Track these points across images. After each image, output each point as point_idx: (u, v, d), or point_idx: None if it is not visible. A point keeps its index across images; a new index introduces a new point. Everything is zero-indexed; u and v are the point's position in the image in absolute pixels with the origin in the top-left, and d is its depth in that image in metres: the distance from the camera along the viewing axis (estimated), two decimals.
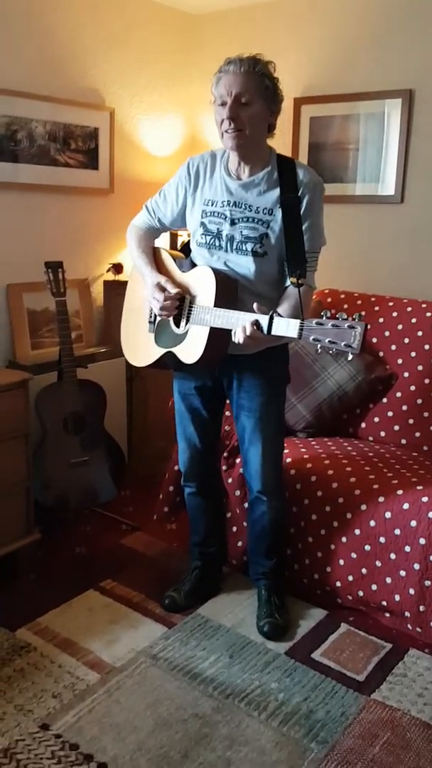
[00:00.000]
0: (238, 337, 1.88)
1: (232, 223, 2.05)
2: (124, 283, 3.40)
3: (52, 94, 2.97)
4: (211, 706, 1.97)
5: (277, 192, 2.03)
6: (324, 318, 1.73)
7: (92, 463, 2.88)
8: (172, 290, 2.07)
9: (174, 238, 3.44)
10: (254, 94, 1.94)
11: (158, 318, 2.18)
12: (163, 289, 2.09)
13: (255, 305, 1.87)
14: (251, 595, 2.46)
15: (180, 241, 3.36)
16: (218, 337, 1.98)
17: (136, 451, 3.48)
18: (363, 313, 1.77)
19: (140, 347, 2.27)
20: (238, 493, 2.61)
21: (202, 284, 2.04)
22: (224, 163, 2.10)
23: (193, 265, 2.16)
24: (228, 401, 2.35)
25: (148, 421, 3.44)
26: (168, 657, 2.17)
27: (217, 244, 2.08)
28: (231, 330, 1.93)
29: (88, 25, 3.10)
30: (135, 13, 3.30)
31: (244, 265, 2.06)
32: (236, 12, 3.42)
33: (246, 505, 2.57)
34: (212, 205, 2.09)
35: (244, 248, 2.04)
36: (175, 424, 2.43)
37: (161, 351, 2.18)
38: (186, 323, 2.09)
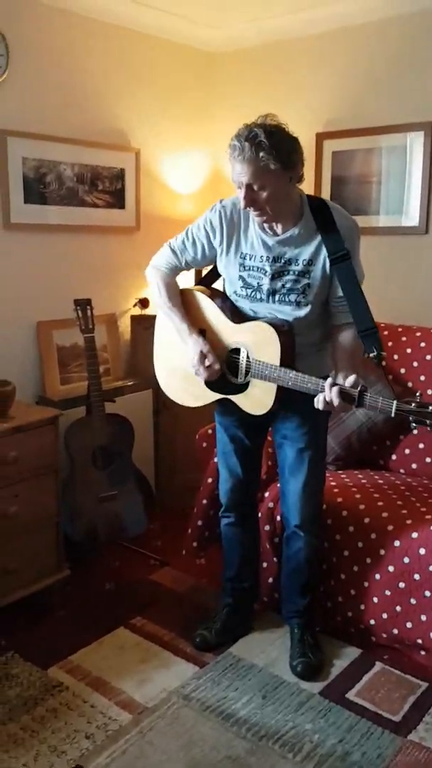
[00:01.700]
0: (320, 405, 1.89)
1: (273, 277, 2.05)
2: (151, 317, 3.44)
3: (79, 137, 3.06)
4: (244, 748, 1.94)
5: (315, 242, 2.00)
6: (419, 400, 1.77)
7: (121, 497, 2.88)
8: (216, 366, 2.11)
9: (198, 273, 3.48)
10: (264, 179, 1.88)
11: None
12: (205, 359, 2.11)
13: (346, 381, 1.86)
14: (283, 633, 2.43)
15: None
16: (283, 392, 2.02)
17: (163, 484, 3.49)
18: None
19: (187, 389, 2.27)
20: (267, 527, 2.59)
21: (262, 340, 2.04)
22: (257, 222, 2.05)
23: (236, 310, 2.16)
24: (271, 431, 2.35)
25: (176, 454, 3.45)
26: (200, 697, 2.15)
27: (258, 297, 2.09)
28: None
29: (112, 68, 3.19)
30: (157, 54, 3.39)
31: (288, 313, 2.06)
32: (256, 50, 3.49)
33: (276, 540, 2.55)
34: (250, 259, 2.08)
35: (287, 299, 2.05)
36: (204, 456, 2.43)
37: (216, 396, 2.19)
38: (246, 375, 2.10)
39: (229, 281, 2.17)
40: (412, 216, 3.11)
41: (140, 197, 3.38)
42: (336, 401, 1.85)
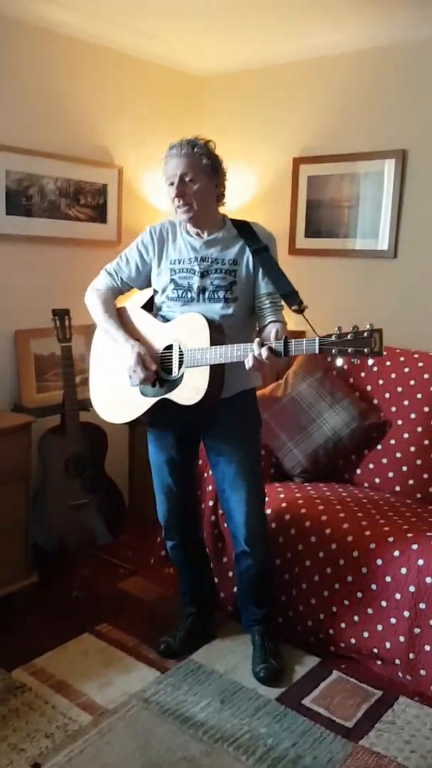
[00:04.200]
0: (250, 364, 1.97)
1: (202, 275, 2.20)
2: None
3: (63, 153, 3.14)
4: (200, 750, 1.99)
5: (238, 245, 2.22)
6: (339, 331, 1.86)
7: (91, 506, 2.94)
8: (152, 366, 2.18)
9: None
10: (196, 172, 2.14)
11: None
12: (142, 362, 2.17)
13: (272, 333, 2.04)
14: (245, 641, 2.49)
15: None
16: (217, 372, 2.09)
17: (137, 495, 3.54)
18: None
19: (122, 403, 2.31)
20: None
21: (191, 328, 2.14)
22: (184, 228, 2.28)
23: (164, 319, 2.27)
24: (203, 448, 2.44)
25: (150, 465, 3.49)
26: (160, 701, 2.20)
27: (188, 296, 2.21)
28: (225, 366, 2.07)
29: (99, 87, 3.29)
30: (143, 75, 3.49)
31: (217, 311, 2.18)
32: (239, 75, 3.61)
33: None
34: (180, 263, 2.25)
35: (216, 296, 2.19)
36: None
37: (152, 401, 2.21)
38: (179, 368, 2.17)
39: (161, 289, 2.29)
40: (384, 240, 3.22)
41: (122, 212, 3.46)
42: (265, 354, 1.94)
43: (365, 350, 1.82)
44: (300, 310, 2.10)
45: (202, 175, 2.15)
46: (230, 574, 2.68)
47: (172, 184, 2.17)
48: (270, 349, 1.95)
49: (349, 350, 1.84)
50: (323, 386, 2.94)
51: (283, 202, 3.46)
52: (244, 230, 2.24)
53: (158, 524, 2.90)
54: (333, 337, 1.86)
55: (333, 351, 1.86)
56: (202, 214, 2.19)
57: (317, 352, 1.88)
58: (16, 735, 2.03)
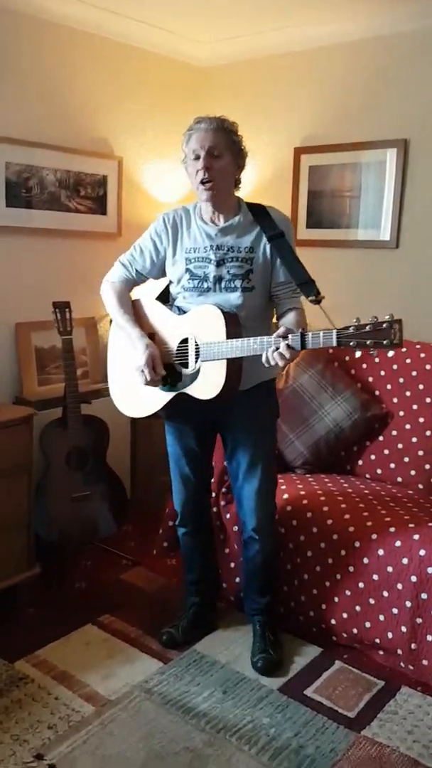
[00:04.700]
0: (272, 360, 1.94)
1: (218, 264, 2.17)
2: None
3: (63, 144, 3.12)
4: (202, 740, 1.99)
5: (254, 232, 2.18)
6: (357, 323, 1.82)
7: (93, 498, 2.94)
8: (160, 371, 2.16)
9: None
10: (224, 148, 2.13)
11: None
12: (152, 365, 2.15)
13: (281, 329, 1.97)
14: (247, 631, 2.49)
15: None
16: (234, 366, 2.07)
17: (139, 487, 3.54)
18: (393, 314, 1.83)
19: (141, 398, 2.30)
20: (236, 528, 2.65)
21: (206, 321, 2.11)
22: (198, 214, 2.24)
23: (180, 311, 2.25)
24: (220, 438, 2.42)
25: (152, 456, 3.50)
26: (162, 691, 2.20)
27: (204, 286, 2.19)
28: (243, 359, 2.04)
29: (99, 78, 3.27)
30: (144, 66, 3.47)
31: (233, 301, 2.16)
32: (240, 65, 3.59)
33: None
34: (195, 252, 2.21)
35: (233, 285, 2.16)
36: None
37: (169, 395, 2.21)
38: (196, 362, 2.15)
39: (177, 279, 2.25)
40: (386, 230, 3.20)
41: (122, 204, 3.45)
42: (287, 354, 1.92)
43: (384, 342, 1.78)
44: (317, 301, 2.07)
45: (228, 152, 2.13)
46: (232, 565, 2.68)
47: (197, 158, 2.12)
48: (288, 345, 1.91)
49: (368, 342, 1.80)
50: (325, 378, 2.93)
51: (285, 192, 3.45)
52: (261, 215, 2.20)
53: (160, 515, 2.93)
54: (351, 329, 1.82)
55: (351, 343, 1.82)
56: (223, 194, 2.16)
57: (335, 344, 1.84)
58: (19, 726, 2.04)
